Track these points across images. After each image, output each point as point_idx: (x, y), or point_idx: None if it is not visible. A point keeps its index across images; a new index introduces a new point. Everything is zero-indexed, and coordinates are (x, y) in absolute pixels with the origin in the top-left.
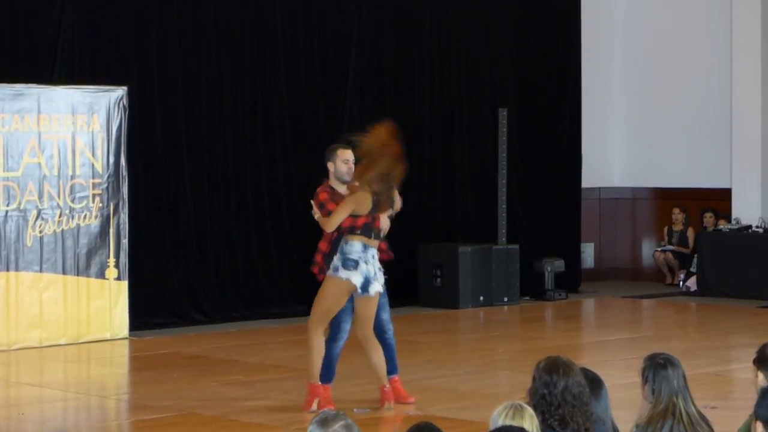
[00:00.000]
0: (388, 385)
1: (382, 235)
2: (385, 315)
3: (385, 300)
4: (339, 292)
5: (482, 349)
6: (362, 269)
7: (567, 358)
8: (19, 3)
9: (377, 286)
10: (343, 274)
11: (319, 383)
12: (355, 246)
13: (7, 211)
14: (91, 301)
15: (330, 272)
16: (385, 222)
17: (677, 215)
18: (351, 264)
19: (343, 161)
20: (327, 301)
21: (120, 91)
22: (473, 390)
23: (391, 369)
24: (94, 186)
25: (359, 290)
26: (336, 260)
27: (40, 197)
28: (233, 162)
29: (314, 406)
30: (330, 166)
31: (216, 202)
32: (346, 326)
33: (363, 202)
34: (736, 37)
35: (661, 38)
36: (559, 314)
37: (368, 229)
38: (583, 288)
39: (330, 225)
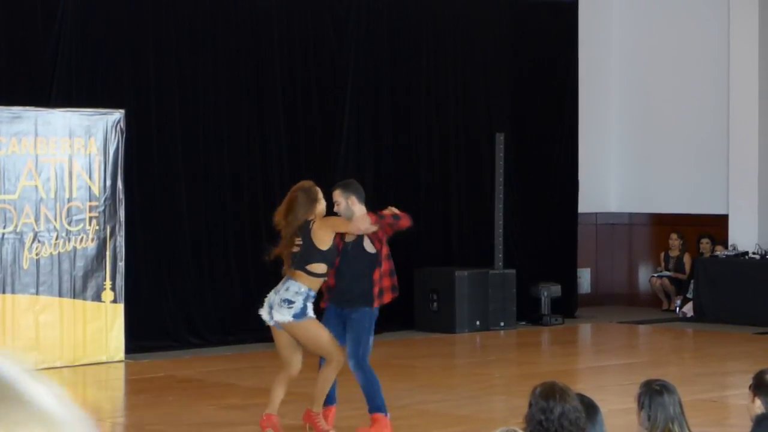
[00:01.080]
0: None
1: (294, 263)
2: (348, 348)
3: (355, 335)
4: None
5: (478, 373)
6: (267, 300)
7: (563, 383)
8: (16, 25)
9: (277, 316)
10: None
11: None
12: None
13: (3, 234)
14: (87, 324)
15: None
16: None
17: (674, 241)
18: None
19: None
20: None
21: (117, 114)
22: (469, 415)
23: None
24: (91, 209)
25: (270, 321)
26: None
27: (37, 220)
28: (230, 186)
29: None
30: None
31: (213, 225)
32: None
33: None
34: (733, 63)
35: (658, 64)
36: (555, 339)
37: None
38: (580, 313)
39: None
